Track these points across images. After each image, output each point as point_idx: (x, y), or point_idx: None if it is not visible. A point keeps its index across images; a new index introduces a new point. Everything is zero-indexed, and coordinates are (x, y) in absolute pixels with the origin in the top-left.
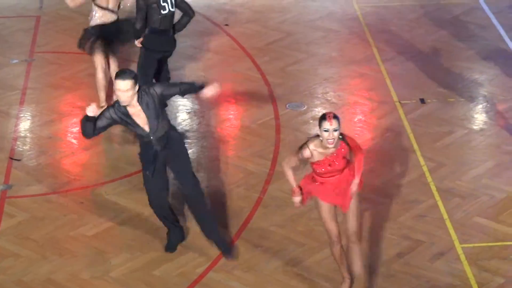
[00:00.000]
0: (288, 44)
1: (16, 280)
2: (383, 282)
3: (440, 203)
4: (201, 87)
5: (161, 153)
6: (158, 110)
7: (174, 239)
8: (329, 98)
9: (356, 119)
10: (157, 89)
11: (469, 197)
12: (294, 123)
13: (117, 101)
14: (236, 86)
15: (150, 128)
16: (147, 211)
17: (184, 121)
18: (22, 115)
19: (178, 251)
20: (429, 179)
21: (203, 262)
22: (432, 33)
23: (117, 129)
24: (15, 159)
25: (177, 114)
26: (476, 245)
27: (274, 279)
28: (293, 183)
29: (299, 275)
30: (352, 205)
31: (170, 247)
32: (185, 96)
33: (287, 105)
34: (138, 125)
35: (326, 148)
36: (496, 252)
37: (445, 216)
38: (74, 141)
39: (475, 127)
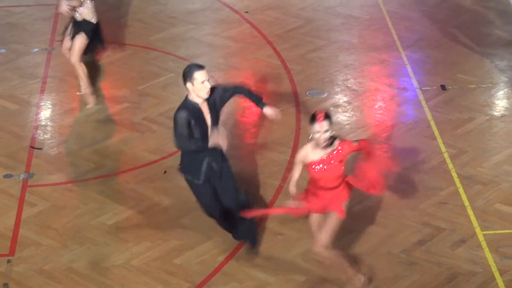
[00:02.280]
0: (308, 31)
1: (38, 268)
2: (404, 269)
3: (461, 190)
4: (260, 100)
5: (212, 164)
6: (217, 114)
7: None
8: (350, 85)
9: (376, 106)
10: (220, 91)
11: (490, 184)
12: (315, 110)
13: (182, 104)
14: (256, 74)
15: (211, 131)
16: (167, 200)
17: None
18: (42, 103)
19: (199, 239)
20: (450, 166)
21: (224, 250)
22: (452, 19)
23: (137, 117)
24: (36, 148)
25: None
26: (497, 232)
27: (295, 267)
28: (293, 188)
29: (320, 263)
30: (332, 215)
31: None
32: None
33: (307, 92)
34: (207, 125)
35: (321, 148)
36: None
37: (466, 203)
38: (94, 129)
39: (496, 114)
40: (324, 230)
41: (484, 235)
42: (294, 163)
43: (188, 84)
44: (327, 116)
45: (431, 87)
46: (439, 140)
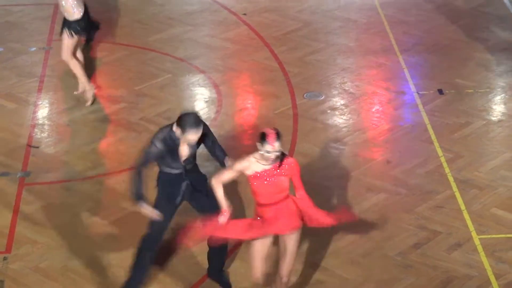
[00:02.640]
0: (306, 33)
1: (34, 266)
2: (400, 272)
3: (457, 194)
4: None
5: (188, 187)
6: (196, 149)
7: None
8: (347, 88)
9: (374, 109)
10: (205, 129)
11: (486, 188)
12: (312, 113)
13: (162, 135)
14: (254, 76)
15: (186, 161)
16: None
17: (201, 109)
18: (40, 102)
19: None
20: (447, 170)
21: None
22: (450, 23)
23: (134, 117)
24: (33, 147)
25: (195, 103)
26: (493, 236)
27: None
28: (223, 202)
29: (315, 264)
30: (292, 242)
31: None
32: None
33: (304, 95)
34: (178, 157)
35: (266, 161)
36: None
37: (463, 207)
38: (91, 129)
39: (493, 118)
40: (292, 254)
41: (480, 239)
42: (230, 170)
43: (178, 130)
44: (279, 136)
45: (428, 91)
46: (436, 144)
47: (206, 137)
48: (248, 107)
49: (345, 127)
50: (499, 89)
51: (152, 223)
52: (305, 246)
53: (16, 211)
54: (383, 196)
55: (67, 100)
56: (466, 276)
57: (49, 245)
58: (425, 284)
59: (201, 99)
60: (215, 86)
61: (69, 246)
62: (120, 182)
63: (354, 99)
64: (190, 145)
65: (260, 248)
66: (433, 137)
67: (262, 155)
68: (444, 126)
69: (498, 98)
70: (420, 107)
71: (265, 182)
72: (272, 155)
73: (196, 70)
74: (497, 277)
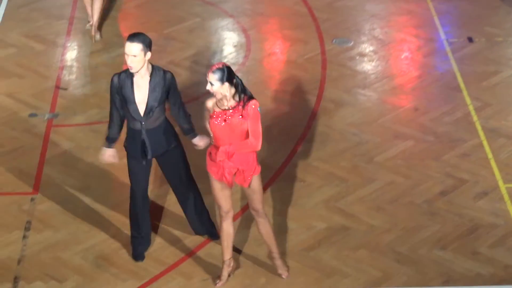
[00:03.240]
0: None
1: (61, 207)
2: (425, 220)
3: (485, 143)
4: (190, 131)
5: (157, 157)
6: (161, 98)
7: (141, 248)
8: (376, 35)
9: (402, 57)
10: (171, 79)
11: None
12: (340, 59)
13: (122, 70)
14: (283, 21)
15: (145, 111)
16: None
17: (230, 54)
18: (68, 44)
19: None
20: (475, 118)
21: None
22: None
23: (162, 61)
24: (62, 88)
25: (223, 47)
26: None
27: (317, 214)
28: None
29: (341, 211)
30: (253, 184)
31: (139, 256)
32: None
33: (333, 41)
34: (134, 101)
35: (223, 102)
36: None
37: (490, 155)
38: (119, 71)
39: None
40: (256, 194)
41: (506, 188)
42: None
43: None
44: (220, 70)
45: (458, 39)
46: (465, 92)
47: (173, 92)
48: (277, 52)
49: (373, 73)
50: None
51: (131, 180)
52: (330, 192)
53: (43, 152)
54: (410, 143)
55: (96, 42)
56: (491, 225)
57: (76, 187)
58: (450, 232)
59: (229, 44)
60: (244, 30)
61: (96, 188)
62: None
63: (383, 46)
64: (150, 84)
65: (218, 187)
66: (461, 85)
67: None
68: (473, 75)
69: None
70: (450, 55)
71: (216, 123)
72: (211, 89)
73: (225, 14)
74: None
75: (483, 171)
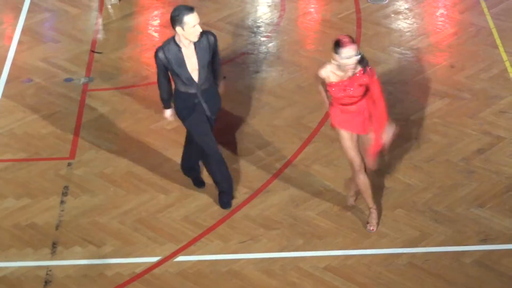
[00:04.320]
0: None
1: (98, 172)
2: (463, 178)
3: None
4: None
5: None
6: (209, 59)
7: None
8: None
9: (438, 13)
10: (214, 39)
11: None
12: (375, 17)
13: (163, 44)
14: None
15: (199, 76)
16: (228, 105)
17: (264, 14)
18: (103, 7)
19: (258, 145)
20: (511, 74)
21: (282, 157)
22: None
23: None
24: (97, 52)
25: (257, 7)
26: None
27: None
28: (326, 104)
29: (378, 170)
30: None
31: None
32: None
33: None
34: (187, 70)
35: (343, 71)
36: None
37: None
38: (154, 34)
39: None
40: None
41: None
42: (316, 79)
43: (178, 28)
44: (353, 40)
45: None
46: (501, 49)
47: (215, 52)
48: (311, 12)
49: (408, 31)
50: None
51: (202, 141)
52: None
53: (79, 117)
54: (446, 101)
55: (130, 6)
56: None
57: (113, 151)
58: (488, 189)
59: (264, 4)
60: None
61: (133, 152)
62: None
63: (418, 3)
64: (197, 51)
65: (349, 138)
66: (498, 41)
67: (338, 66)
68: (510, 30)
69: None
70: (485, 10)
71: (342, 93)
72: (352, 61)
73: None
74: None
75: None
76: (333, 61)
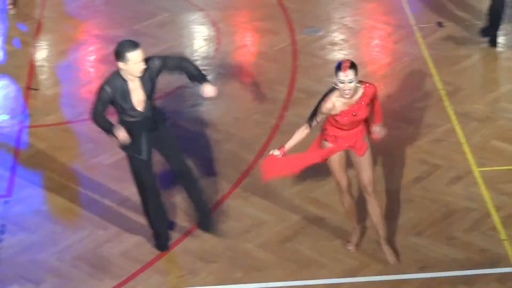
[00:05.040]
0: None
1: (35, 209)
2: (401, 207)
3: (457, 127)
4: (203, 77)
5: (151, 135)
6: (154, 86)
7: (165, 239)
8: (346, 23)
9: (373, 44)
10: (157, 63)
11: (486, 121)
12: (311, 49)
13: (109, 78)
14: (253, 12)
15: (145, 107)
16: None
17: (200, 48)
18: (38, 44)
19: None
20: (447, 103)
21: (221, 189)
22: None
23: None
24: (33, 89)
25: (193, 41)
26: (493, 168)
27: (291, 205)
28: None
29: (316, 201)
30: (366, 156)
31: (163, 246)
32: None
33: (304, 30)
34: (132, 104)
35: (344, 95)
36: None
37: (463, 140)
38: (90, 69)
39: (493, 50)
40: (368, 168)
41: (480, 172)
42: (318, 113)
43: (121, 64)
44: (353, 65)
45: (428, 24)
46: (436, 78)
47: (163, 66)
48: (247, 44)
49: None
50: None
51: (139, 177)
52: (306, 181)
53: (16, 154)
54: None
55: (65, 41)
56: (466, 209)
57: (50, 187)
58: (425, 218)
59: (199, 37)
60: (214, 23)
61: (70, 188)
62: None
63: (353, 34)
64: (142, 82)
65: (337, 160)
66: (432, 70)
67: (339, 90)
68: (444, 59)
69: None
70: (420, 40)
71: (352, 118)
72: (346, 85)
73: (194, 8)
74: (497, 209)
75: (456, 156)
76: (334, 85)
